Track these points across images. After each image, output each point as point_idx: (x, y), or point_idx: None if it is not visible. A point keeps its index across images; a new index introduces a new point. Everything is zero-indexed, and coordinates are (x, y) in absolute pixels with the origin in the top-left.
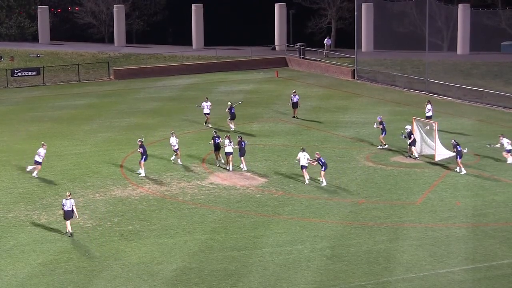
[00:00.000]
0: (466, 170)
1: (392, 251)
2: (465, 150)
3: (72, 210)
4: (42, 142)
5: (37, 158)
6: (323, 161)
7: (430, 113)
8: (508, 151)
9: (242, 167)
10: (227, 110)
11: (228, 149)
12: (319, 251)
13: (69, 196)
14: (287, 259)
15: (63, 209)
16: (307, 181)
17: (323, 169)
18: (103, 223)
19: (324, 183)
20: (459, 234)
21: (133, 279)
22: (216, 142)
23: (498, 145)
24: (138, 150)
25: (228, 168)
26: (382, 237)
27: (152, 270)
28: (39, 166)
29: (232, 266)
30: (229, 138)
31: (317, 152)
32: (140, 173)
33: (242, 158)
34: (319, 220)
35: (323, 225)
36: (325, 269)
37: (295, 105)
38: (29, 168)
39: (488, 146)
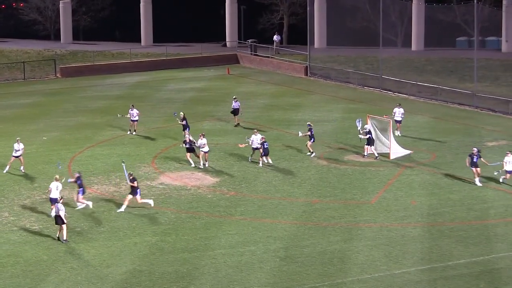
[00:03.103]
0: (425, 169)
1: (346, 252)
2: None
3: (59, 215)
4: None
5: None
6: (266, 146)
7: (400, 117)
8: (509, 172)
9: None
10: (180, 122)
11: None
12: (272, 252)
13: (60, 199)
14: (239, 261)
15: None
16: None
17: (263, 153)
18: (50, 225)
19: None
20: (415, 234)
21: (81, 282)
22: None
23: (505, 166)
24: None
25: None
26: (337, 238)
27: (101, 273)
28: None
29: (183, 268)
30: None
31: (262, 136)
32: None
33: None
34: (272, 221)
35: (276, 225)
36: (279, 271)
37: (236, 112)
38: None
39: (496, 173)
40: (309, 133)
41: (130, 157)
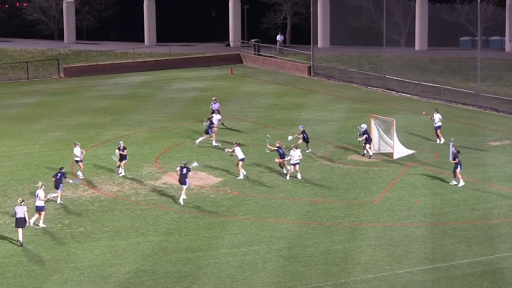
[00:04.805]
0: (428, 169)
1: (350, 252)
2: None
3: (25, 218)
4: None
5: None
6: (282, 151)
7: (439, 123)
8: None
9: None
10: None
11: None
12: (275, 252)
13: (21, 202)
14: (242, 261)
15: (14, 216)
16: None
17: (285, 157)
18: (53, 225)
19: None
20: (418, 234)
21: (85, 282)
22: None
23: None
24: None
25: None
26: (340, 237)
27: (104, 273)
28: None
29: (186, 268)
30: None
31: (278, 141)
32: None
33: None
34: (276, 220)
35: (279, 225)
36: (282, 270)
37: (215, 113)
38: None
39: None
40: (301, 136)
41: (133, 157)
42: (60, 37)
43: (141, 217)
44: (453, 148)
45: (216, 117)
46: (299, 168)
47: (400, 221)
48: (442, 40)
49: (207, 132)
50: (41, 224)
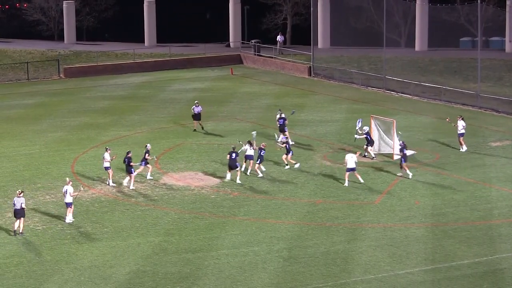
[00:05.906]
0: (428, 170)
1: (350, 252)
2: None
3: (22, 209)
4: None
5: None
6: (262, 154)
7: (463, 131)
8: None
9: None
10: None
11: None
12: (275, 252)
13: (19, 194)
14: (243, 261)
15: (13, 207)
16: (346, 184)
17: (258, 161)
18: (53, 225)
19: (260, 175)
20: (418, 234)
21: (85, 283)
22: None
23: None
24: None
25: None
26: (340, 238)
27: (104, 274)
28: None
29: (186, 268)
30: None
31: (263, 144)
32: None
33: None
34: (276, 221)
35: (279, 226)
36: (282, 271)
37: (197, 116)
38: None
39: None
40: (286, 145)
41: (134, 157)
42: (60, 37)
43: (141, 217)
44: (401, 141)
45: (282, 116)
46: (357, 173)
47: (400, 222)
48: (442, 41)
49: (282, 130)
50: (69, 219)
